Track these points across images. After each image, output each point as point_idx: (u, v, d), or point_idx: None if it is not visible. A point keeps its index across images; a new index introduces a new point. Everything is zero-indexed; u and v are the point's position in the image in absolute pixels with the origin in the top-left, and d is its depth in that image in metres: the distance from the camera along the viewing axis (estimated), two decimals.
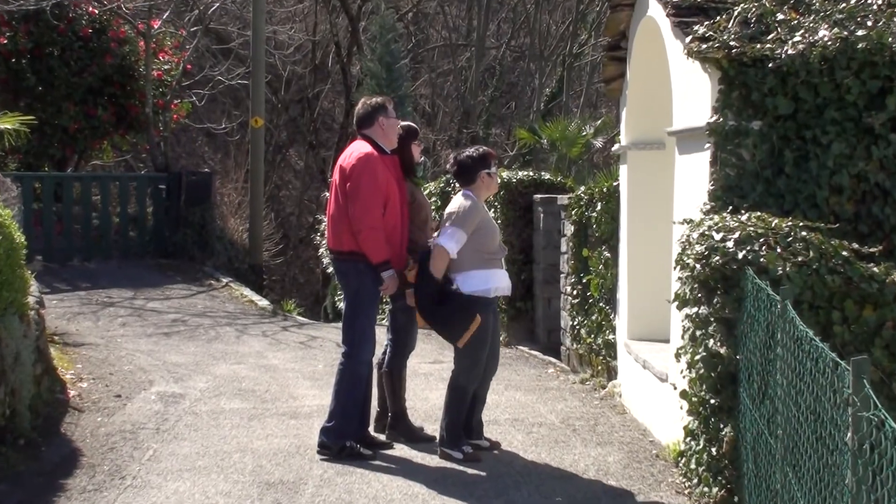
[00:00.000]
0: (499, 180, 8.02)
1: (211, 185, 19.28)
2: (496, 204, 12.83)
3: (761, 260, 6.04)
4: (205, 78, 24.32)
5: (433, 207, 12.03)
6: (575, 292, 11.09)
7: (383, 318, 13.27)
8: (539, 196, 12.57)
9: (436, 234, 7.45)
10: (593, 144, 20.52)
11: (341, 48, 31.00)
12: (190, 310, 14.75)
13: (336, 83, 33.09)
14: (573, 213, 10.97)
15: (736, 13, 7.30)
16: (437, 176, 19.55)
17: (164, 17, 21.02)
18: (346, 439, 7.46)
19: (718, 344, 6.20)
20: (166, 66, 20.21)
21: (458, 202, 7.32)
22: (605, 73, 10.14)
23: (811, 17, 7.21)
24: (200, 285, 16.87)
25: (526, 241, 12.80)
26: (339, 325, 8.03)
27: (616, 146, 10.05)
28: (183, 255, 18.60)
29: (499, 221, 12.52)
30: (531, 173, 13.25)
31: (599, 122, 21.47)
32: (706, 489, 6.32)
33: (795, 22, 7.20)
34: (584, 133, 20.03)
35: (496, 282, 7.28)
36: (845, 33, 6.97)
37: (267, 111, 25.96)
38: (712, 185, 7.06)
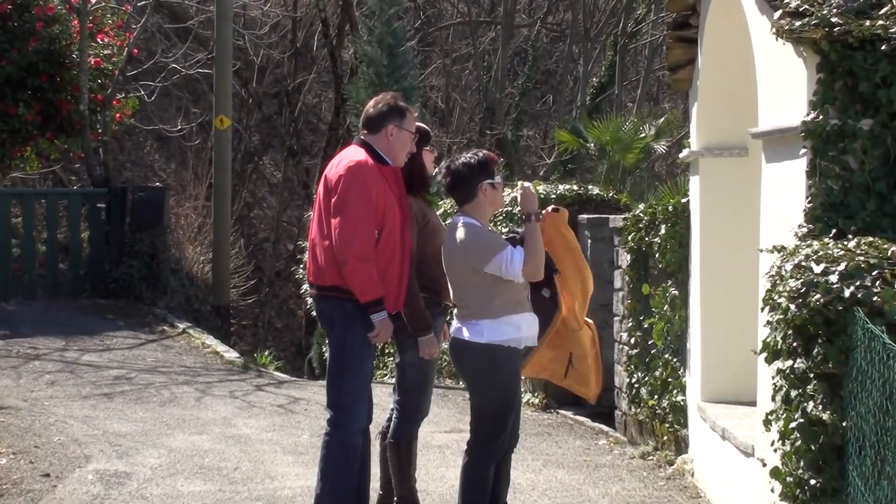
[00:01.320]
0: (504, 193, 7.85)
1: (164, 203, 19.39)
2: None
3: (875, 299, 6.02)
4: (156, 66, 24.45)
5: None
6: (633, 340, 11.08)
7: (386, 375, 13.21)
8: (585, 217, 12.59)
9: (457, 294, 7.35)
10: (654, 149, 20.62)
11: (329, 27, 31.15)
12: (137, 364, 14.82)
13: (323, 72, 33.25)
14: (630, 238, 11.00)
15: None
16: None
17: None
18: None
19: (820, 407, 6.18)
20: (107, 52, 20.33)
21: (458, 235, 7.26)
22: (669, 57, 10.10)
23: None
24: (150, 332, 16.97)
25: None
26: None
27: (684, 152, 10.09)
28: (128, 294, 18.72)
29: None
30: (575, 187, 13.29)
31: (662, 120, 21.54)
32: None
33: None
34: (643, 135, 20.04)
35: (528, 329, 7.31)
36: None
37: (235, 108, 26.05)
38: (810, 202, 7.09)
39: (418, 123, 8.00)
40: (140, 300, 18.62)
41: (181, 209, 23.60)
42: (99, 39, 20.39)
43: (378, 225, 7.29)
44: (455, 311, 7.37)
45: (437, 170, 8.80)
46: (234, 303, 22.71)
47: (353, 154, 7.45)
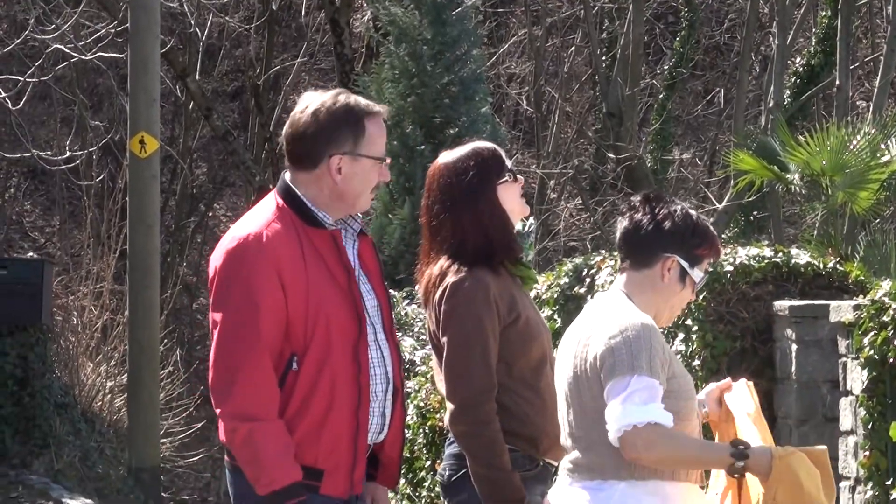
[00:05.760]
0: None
1: (42, 287, 16.23)
2: (687, 322, 10.63)
3: None
4: (27, 47, 19.97)
5: (552, 330, 11.42)
6: None
7: None
8: (787, 304, 10.46)
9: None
10: None
11: None
12: None
13: (319, 54, 27.67)
14: (867, 340, 9.10)
15: None
16: (550, 261, 16.46)
17: None
18: None
19: None
20: None
21: (599, 321, 5.58)
22: None
23: None
24: None
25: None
26: None
27: None
28: None
29: (697, 360, 10.28)
30: (766, 252, 11.02)
31: None
32: None
33: None
34: (887, 157, 16.97)
35: None
36: None
37: (166, 120, 22.01)
38: None
39: (483, 143, 6.16)
40: (2, 460, 15.69)
41: (73, 298, 19.52)
42: None
43: (296, 344, 5.59)
44: (563, 463, 5.59)
45: (529, 219, 6.62)
46: (169, 462, 19.04)
47: (248, 220, 5.74)
